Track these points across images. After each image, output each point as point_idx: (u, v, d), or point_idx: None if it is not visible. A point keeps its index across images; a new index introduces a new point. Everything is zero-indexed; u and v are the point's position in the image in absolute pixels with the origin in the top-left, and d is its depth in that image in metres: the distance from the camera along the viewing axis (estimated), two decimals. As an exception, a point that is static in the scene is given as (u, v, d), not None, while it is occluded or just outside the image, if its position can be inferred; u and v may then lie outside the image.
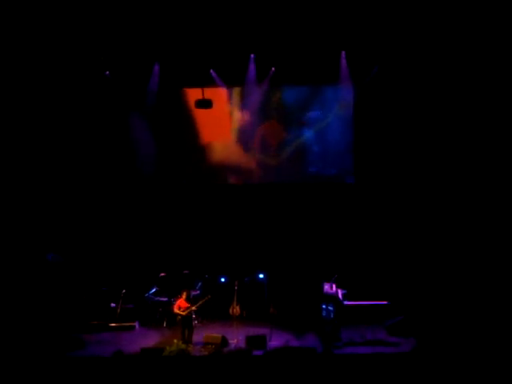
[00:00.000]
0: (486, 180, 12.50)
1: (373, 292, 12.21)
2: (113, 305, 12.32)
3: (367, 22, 12.23)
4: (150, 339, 11.84)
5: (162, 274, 13.51)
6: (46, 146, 13.59)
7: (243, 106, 14.41)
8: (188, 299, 11.60)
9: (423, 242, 13.22)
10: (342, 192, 14.27)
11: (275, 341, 11.39)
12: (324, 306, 11.85)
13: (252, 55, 13.51)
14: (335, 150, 14.29)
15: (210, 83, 13.91)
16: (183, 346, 10.62)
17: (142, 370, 7.79)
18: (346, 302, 11.58)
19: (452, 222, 12.92)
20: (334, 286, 11.88)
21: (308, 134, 14.37)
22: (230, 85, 14.23)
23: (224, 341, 11.17)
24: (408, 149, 13.56)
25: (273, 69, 13.71)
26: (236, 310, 12.32)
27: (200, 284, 13.46)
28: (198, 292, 13.16)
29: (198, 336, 11.53)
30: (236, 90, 14.45)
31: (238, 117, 14.49)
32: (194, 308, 11.48)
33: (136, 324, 12.72)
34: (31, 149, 13.35)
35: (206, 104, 13.60)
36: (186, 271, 13.57)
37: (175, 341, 10.76)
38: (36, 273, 13.01)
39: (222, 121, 14.53)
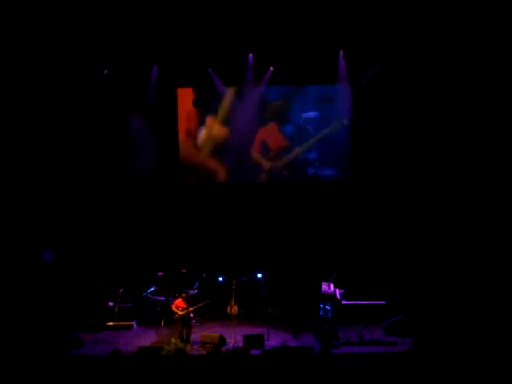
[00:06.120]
0: (483, 180, 12.52)
1: (371, 291, 12.23)
2: (110, 304, 12.29)
3: (366, 22, 12.25)
4: (148, 338, 11.83)
5: (160, 273, 13.50)
6: (43, 145, 13.56)
7: (242, 105, 14.35)
8: (186, 299, 11.59)
9: (421, 241, 13.25)
10: (339, 192, 14.26)
11: (273, 340, 11.37)
12: (322, 306, 11.90)
13: (250, 55, 13.50)
14: (333, 149, 14.26)
15: (209, 83, 13.90)
16: (181, 346, 10.62)
17: (139, 370, 7.80)
18: (343, 302, 11.60)
19: (449, 221, 12.95)
20: (331, 285, 11.93)
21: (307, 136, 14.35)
22: (228, 85, 14.18)
23: (222, 340, 11.17)
24: (406, 148, 13.56)
25: (271, 68, 13.70)
26: (234, 309, 12.34)
27: (198, 283, 13.45)
28: (196, 291, 13.17)
29: (196, 335, 11.52)
30: (233, 90, 14.38)
31: (237, 117, 14.41)
32: (191, 309, 11.46)
33: (134, 323, 12.69)
34: (29, 147, 13.32)
35: (204, 103, 13.57)
36: (183, 270, 13.56)
37: (173, 340, 10.76)
38: (33, 272, 13.01)
39: (219, 121, 14.52)
